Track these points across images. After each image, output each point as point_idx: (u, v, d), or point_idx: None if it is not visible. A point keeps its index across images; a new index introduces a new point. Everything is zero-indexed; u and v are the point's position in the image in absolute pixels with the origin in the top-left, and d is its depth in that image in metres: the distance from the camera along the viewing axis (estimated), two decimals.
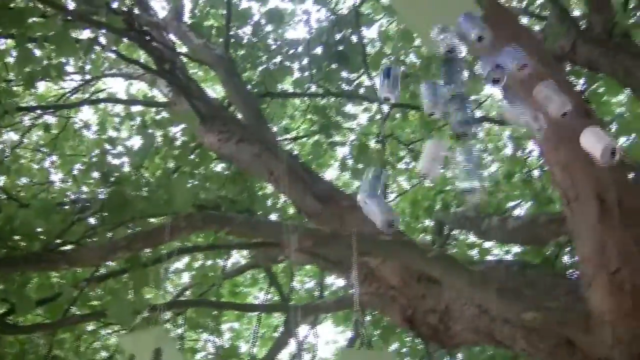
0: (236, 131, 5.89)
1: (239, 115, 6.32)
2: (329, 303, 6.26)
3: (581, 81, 6.73)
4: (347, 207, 5.19)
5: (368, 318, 7.33)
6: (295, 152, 7.52)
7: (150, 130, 6.63)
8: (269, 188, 6.97)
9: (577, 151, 3.46)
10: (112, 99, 8.57)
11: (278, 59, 7.27)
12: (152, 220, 5.64)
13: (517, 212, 7.63)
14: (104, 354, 8.33)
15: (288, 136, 8.38)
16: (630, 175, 6.07)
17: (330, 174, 9.37)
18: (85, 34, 6.07)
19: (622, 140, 7.21)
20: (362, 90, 7.24)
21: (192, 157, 6.58)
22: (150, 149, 6.31)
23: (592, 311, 3.29)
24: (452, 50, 2.84)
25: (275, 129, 7.73)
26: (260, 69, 7.17)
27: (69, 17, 5.23)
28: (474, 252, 8.10)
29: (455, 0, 2.81)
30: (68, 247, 5.42)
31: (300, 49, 7.16)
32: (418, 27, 2.87)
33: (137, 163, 6.04)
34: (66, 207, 6.03)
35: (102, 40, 5.89)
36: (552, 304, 3.86)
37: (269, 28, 7.29)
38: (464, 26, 2.78)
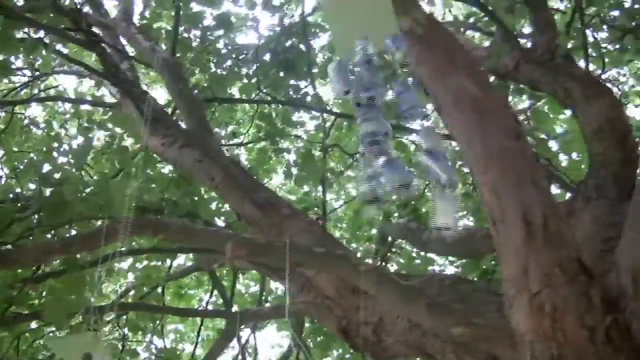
0: (180, 136, 5.90)
1: (183, 120, 6.32)
2: (267, 310, 6.30)
3: (525, 99, 6.88)
4: (287, 216, 5.24)
5: (308, 325, 7.39)
6: (242, 158, 7.55)
7: (94, 131, 6.61)
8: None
9: (505, 172, 3.56)
10: (60, 98, 8.49)
11: (228, 63, 7.28)
12: (93, 222, 5.64)
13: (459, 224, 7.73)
14: (45, 353, 8.27)
15: (236, 141, 8.40)
16: (568, 195, 6.20)
17: (276, 180, 9.44)
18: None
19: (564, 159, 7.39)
20: (309, 99, 7.29)
21: (136, 159, 6.57)
22: (90, 149, 6.29)
23: (514, 330, 3.36)
24: (370, 60, 2.92)
25: (223, 133, 7.75)
26: (208, 73, 7.17)
27: (10, 16, 5.19)
28: (418, 262, 8.20)
29: (378, 21, 2.88)
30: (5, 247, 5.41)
31: (249, 54, 7.19)
32: (343, 42, 2.92)
33: (77, 164, 6.00)
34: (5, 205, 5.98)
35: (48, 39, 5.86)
36: (480, 320, 3.92)
37: (219, 32, 7.29)
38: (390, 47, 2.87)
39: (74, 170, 5.95)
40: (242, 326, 6.54)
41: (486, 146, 3.63)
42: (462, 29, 7.25)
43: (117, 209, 5.07)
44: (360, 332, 4.90)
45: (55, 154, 6.78)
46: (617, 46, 6.92)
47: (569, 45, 5.89)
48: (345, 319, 5.00)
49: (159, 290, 7.83)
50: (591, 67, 6.74)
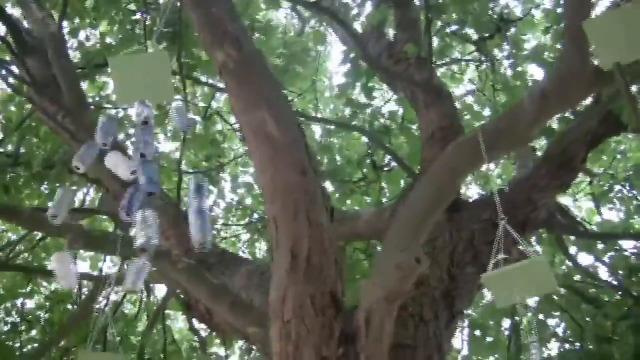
0: (62, 107, 6.21)
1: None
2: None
3: None
4: None
5: None
6: None
7: None
8: None
9: (285, 205, 4.00)
10: None
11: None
12: None
13: None
14: None
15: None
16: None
17: None
18: None
19: None
20: None
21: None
22: None
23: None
24: (147, 120, 3.34)
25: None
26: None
27: None
28: None
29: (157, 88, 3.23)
30: None
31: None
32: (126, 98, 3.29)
33: None
34: None
35: None
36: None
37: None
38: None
39: None
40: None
41: (274, 179, 4.05)
42: None
43: None
44: (199, 307, 5.46)
45: None
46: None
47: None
48: (187, 295, 5.54)
49: None
50: None
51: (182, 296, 5.73)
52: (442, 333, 4.46)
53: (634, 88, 4.04)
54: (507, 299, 3.31)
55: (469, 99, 8.41)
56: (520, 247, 3.46)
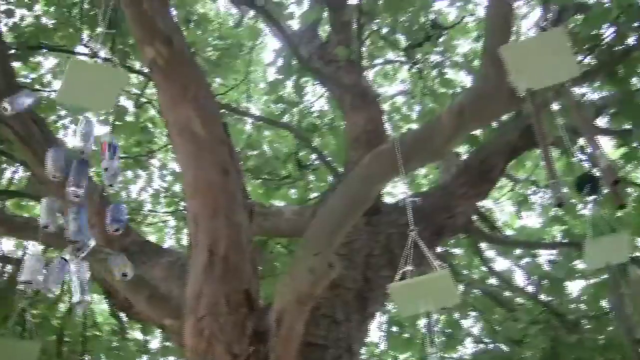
0: None
1: None
2: None
3: None
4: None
5: None
6: None
7: None
8: None
9: (205, 204, 4.08)
10: None
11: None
12: None
13: None
14: None
15: None
16: None
17: None
18: None
19: None
20: None
21: None
22: None
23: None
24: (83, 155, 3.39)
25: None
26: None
27: None
28: None
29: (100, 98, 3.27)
30: None
31: None
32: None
33: None
34: None
35: None
36: None
37: None
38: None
39: None
40: None
41: (196, 177, 4.13)
42: None
43: None
44: (118, 295, 5.50)
45: None
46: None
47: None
48: (107, 284, 5.58)
49: None
50: None
51: (103, 284, 5.76)
52: (354, 334, 4.60)
53: (554, 106, 4.19)
54: (411, 310, 3.44)
55: (400, 100, 8.56)
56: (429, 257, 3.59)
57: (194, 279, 3.97)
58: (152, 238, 10.46)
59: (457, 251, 7.70)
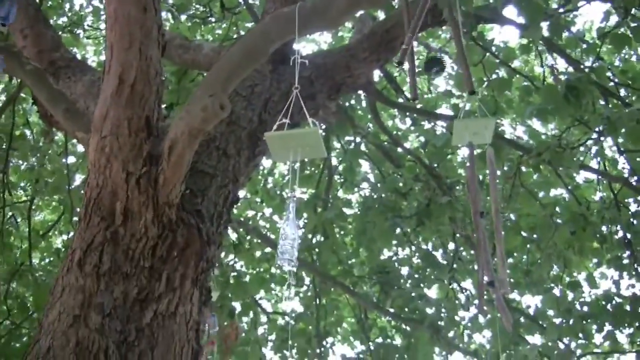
0: None
1: None
2: None
3: None
4: None
5: None
6: None
7: None
8: None
9: (122, 35, 4.46)
10: None
11: None
12: None
13: None
14: None
15: None
16: None
17: None
18: None
19: None
20: None
21: None
22: None
23: None
24: None
25: None
26: None
27: None
28: None
29: None
30: None
31: None
32: None
33: None
34: None
35: None
36: None
37: None
38: None
39: None
40: None
41: (116, 10, 4.51)
42: None
43: None
44: (43, 106, 5.97)
45: None
46: None
47: None
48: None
49: None
50: None
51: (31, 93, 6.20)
52: (241, 168, 5.20)
53: None
54: (284, 157, 4.05)
55: None
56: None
57: (102, 102, 4.40)
58: (90, 50, 10.87)
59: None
